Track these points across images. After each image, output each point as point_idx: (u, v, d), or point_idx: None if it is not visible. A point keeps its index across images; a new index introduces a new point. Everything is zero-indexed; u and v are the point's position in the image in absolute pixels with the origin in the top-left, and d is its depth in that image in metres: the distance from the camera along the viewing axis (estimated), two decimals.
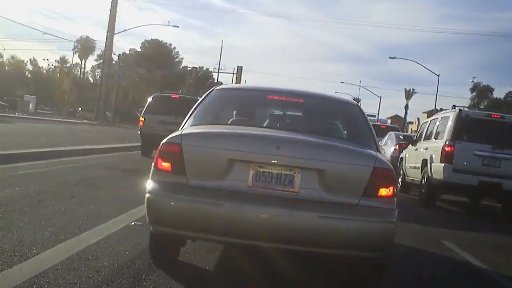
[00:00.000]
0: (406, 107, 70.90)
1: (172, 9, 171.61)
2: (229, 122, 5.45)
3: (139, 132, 17.77)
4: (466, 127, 12.72)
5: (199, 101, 5.66)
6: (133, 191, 8.31)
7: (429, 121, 15.47)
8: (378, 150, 5.05)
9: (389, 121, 71.39)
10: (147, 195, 4.31)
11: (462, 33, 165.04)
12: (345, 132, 5.90)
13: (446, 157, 12.57)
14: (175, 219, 4.22)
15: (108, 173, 12.02)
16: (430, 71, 54.98)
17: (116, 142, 21.40)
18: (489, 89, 76.58)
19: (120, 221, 6.48)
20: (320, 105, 6.06)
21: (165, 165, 4.36)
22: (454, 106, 13.93)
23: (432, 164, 13.07)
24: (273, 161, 4.25)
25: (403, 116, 73.18)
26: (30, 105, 63.84)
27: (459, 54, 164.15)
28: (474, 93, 75.96)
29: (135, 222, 6.38)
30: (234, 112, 5.99)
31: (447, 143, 12.64)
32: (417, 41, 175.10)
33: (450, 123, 12.94)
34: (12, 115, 44.28)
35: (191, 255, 5.39)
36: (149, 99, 18.65)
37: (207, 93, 5.86)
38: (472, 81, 75.43)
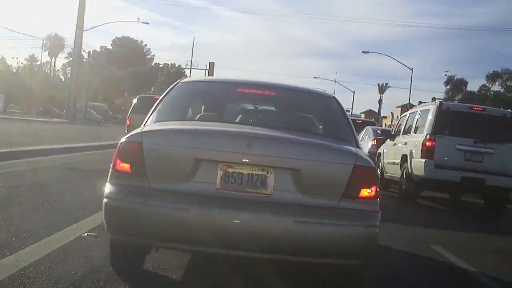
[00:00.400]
0: (380, 102, 70.85)
1: (144, 7, 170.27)
2: (195, 118, 5.18)
3: (126, 131, 17.15)
4: (447, 121, 12.26)
5: (162, 96, 5.25)
6: (93, 195, 7.50)
7: (408, 115, 14.98)
8: (358, 146, 4.72)
9: (363, 115, 71.25)
10: (105, 200, 3.96)
11: (435, 27, 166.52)
12: (322, 127, 5.64)
13: (426, 152, 12.11)
14: (136, 226, 3.89)
15: (69, 174, 11.23)
16: (404, 65, 54.88)
17: (87, 141, 20.51)
18: (463, 82, 76.98)
19: (71, 231, 5.74)
20: (294, 98, 5.72)
21: (124, 166, 4.01)
22: (434, 99, 13.48)
23: (412, 159, 12.58)
24: (243, 160, 3.93)
25: (377, 110, 73.12)
26: (0, 104, 62.26)
27: (432, 49, 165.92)
28: (449, 86, 76.27)
29: (89, 233, 5.65)
30: (201, 107, 5.73)
31: (427, 137, 12.17)
32: (391, 36, 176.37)
33: (430, 116, 12.46)
34: None
35: (157, 262, 4.85)
36: (135, 100, 19.40)
37: (171, 86, 5.44)
38: (445, 75, 75.79)
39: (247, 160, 3.94)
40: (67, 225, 6.01)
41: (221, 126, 4.58)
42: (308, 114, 6.01)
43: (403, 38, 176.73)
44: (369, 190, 4.06)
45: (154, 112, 4.95)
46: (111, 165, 4.09)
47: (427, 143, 12.11)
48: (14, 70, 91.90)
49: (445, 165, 11.93)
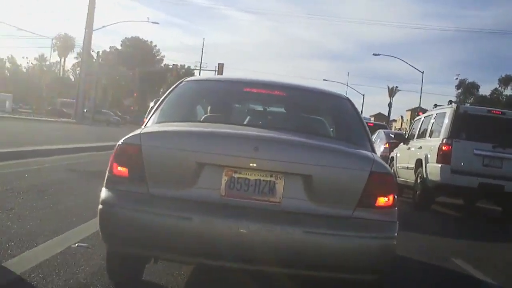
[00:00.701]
0: (390, 105, 70.51)
1: (154, 7, 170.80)
2: (199, 119, 4.97)
3: None
4: (465, 124, 11.72)
5: (165, 95, 5.00)
6: (90, 200, 7.03)
7: (423, 118, 14.44)
8: (374, 151, 4.43)
9: (372, 119, 70.77)
10: (100, 206, 3.69)
11: (446, 29, 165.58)
12: (335, 130, 5.33)
13: (443, 157, 11.59)
14: (133, 236, 3.63)
15: (69, 176, 10.77)
16: (414, 68, 54.44)
17: (93, 141, 20.14)
18: (475, 86, 76.38)
19: (60, 241, 5.25)
20: (305, 99, 5.46)
21: (122, 170, 3.75)
22: (450, 102, 12.96)
23: (428, 164, 12.05)
24: (250, 164, 3.67)
25: (386, 114, 72.63)
26: (7, 103, 62.56)
27: (442, 52, 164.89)
28: (460, 90, 75.50)
29: (79, 244, 5.15)
30: (207, 108, 5.36)
31: (444, 141, 11.65)
32: (400, 38, 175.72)
33: (447, 120, 11.93)
34: None
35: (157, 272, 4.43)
36: (151, 104, 18.79)
37: (175, 85, 5.19)
38: (457, 78, 75.17)
39: (254, 165, 3.67)
40: (57, 234, 5.53)
41: (226, 128, 4.28)
42: (321, 116, 5.73)
43: (413, 41, 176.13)
44: (386, 199, 3.78)
45: (155, 112, 4.69)
46: (108, 168, 3.81)
47: (443, 148, 11.60)
48: (24, 70, 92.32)
49: (462, 171, 11.41)
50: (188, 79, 5.50)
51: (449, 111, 12.04)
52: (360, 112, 5.40)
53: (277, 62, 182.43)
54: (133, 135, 3.89)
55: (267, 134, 4.06)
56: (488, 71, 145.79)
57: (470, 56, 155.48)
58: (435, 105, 14.67)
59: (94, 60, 61.22)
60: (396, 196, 3.86)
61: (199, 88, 5.48)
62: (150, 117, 4.66)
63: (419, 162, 12.68)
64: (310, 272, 3.71)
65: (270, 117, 5.70)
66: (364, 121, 5.12)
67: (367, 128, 4.90)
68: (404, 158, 14.39)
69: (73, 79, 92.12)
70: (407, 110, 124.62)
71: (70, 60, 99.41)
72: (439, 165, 11.52)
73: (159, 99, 5.30)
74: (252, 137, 3.88)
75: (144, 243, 3.65)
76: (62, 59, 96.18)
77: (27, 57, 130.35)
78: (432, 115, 13.46)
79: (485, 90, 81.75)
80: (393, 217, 3.83)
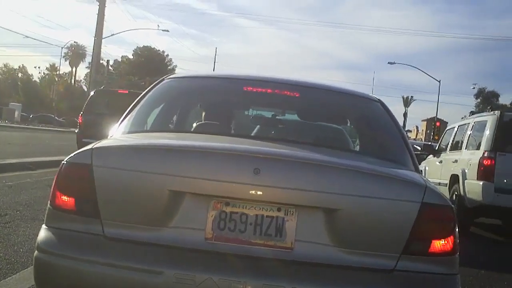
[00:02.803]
0: (405, 115, 69.06)
1: (166, 18, 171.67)
2: (184, 129, 4.21)
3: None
4: (510, 135, 10.08)
5: (139, 96, 3.95)
6: None
7: (456, 127, 12.80)
8: (418, 170, 3.43)
9: None
10: (36, 253, 2.74)
11: (461, 37, 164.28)
12: (366, 143, 4.25)
13: (484, 173, 9.99)
14: None
15: (44, 194, 9.24)
16: (431, 76, 52.92)
17: None
18: (494, 95, 74.43)
19: None
20: (325, 102, 4.27)
21: (66, 201, 2.77)
22: (491, 108, 11.35)
23: (466, 181, 10.45)
24: (248, 193, 2.64)
25: (401, 124, 71.35)
26: (16, 113, 61.98)
27: (458, 62, 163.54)
28: (479, 99, 73.72)
29: None
30: (201, 114, 4.52)
31: (485, 155, 10.04)
32: (415, 48, 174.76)
33: (488, 130, 10.31)
34: None
35: None
36: (92, 93, 17.77)
37: (153, 84, 4.13)
38: (473, 88, 73.41)
39: (254, 194, 2.64)
40: None
41: (213, 140, 3.23)
42: (346, 125, 4.89)
43: (428, 50, 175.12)
44: (443, 242, 2.78)
45: (125, 119, 3.67)
46: (49, 198, 2.82)
47: (485, 162, 9.99)
48: (38, 80, 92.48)
49: (508, 189, 9.79)
50: (171, 76, 4.36)
51: (491, 120, 10.44)
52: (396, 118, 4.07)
53: (291, 72, 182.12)
54: (82, 151, 2.85)
55: (272, 150, 2.93)
56: (505, 80, 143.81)
57: (487, 66, 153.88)
58: (471, 113, 13.10)
59: (104, 69, 60.70)
60: (457, 238, 2.84)
61: (183, 88, 4.35)
62: (118, 126, 3.61)
63: (454, 178, 11.10)
64: None
65: (277, 126, 4.54)
66: (403, 129, 3.97)
67: (407, 140, 3.79)
68: (435, 173, 12.82)
69: (86, 89, 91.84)
70: (422, 120, 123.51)
71: (82, 71, 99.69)
72: (481, 183, 9.91)
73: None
74: (251, 153, 2.77)
75: None
76: (73, 69, 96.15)
77: (39, 67, 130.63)
78: (468, 124, 11.83)
79: (504, 99, 80.00)
80: (453, 268, 2.83)
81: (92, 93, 16.79)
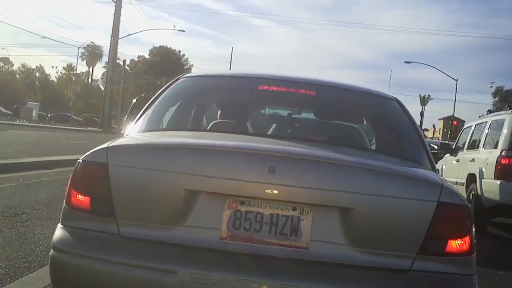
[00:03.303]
0: (422, 114, 68.65)
1: (182, 18, 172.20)
2: (200, 128, 4.18)
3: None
4: None
5: (155, 95, 3.98)
6: None
7: (474, 126, 12.65)
8: (435, 169, 3.41)
9: None
10: (51, 252, 2.74)
11: (479, 36, 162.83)
12: (382, 142, 4.23)
13: (502, 172, 9.85)
14: None
15: (61, 193, 9.29)
16: (448, 75, 52.51)
17: None
18: None
19: None
20: (342, 100, 4.30)
21: (82, 200, 2.77)
22: (510, 107, 11.21)
23: (483, 180, 10.32)
24: (264, 192, 2.64)
25: (418, 123, 70.88)
26: (33, 112, 62.58)
27: (475, 60, 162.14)
28: (497, 98, 72.93)
29: None
30: (217, 112, 4.49)
31: (503, 154, 9.91)
32: (432, 48, 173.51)
33: (506, 128, 10.19)
34: (11, 122, 42.46)
35: None
36: (134, 100, 18.02)
37: (169, 83, 4.14)
38: (491, 86, 72.73)
39: (269, 193, 2.64)
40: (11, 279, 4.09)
41: (228, 139, 3.22)
42: (362, 124, 4.89)
43: (444, 49, 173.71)
44: (460, 242, 2.75)
45: (141, 118, 3.69)
46: (65, 197, 2.82)
47: (502, 161, 9.86)
48: (55, 80, 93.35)
49: None
50: (187, 75, 4.41)
51: (508, 118, 10.31)
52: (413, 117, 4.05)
53: (306, 71, 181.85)
54: (98, 150, 2.84)
55: (287, 148, 2.93)
56: None
57: (505, 64, 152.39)
58: (489, 111, 12.99)
59: (121, 69, 61.00)
60: (474, 238, 2.81)
61: (200, 87, 4.35)
62: (134, 125, 3.64)
63: (471, 177, 10.96)
64: None
65: (293, 124, 4.55)
66: (419, 128, 3.98)
67: (424, 138, 3.79)
68: (451, 172, 12.67)
69: (102, 88, 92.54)
70: (439, 119, 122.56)
71: (99, 70, 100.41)
72: (498, 182, 9.77)
73: (146, 97, 4.08)
74: (266, 152, 2.75)
75: None
76: (91, 68, 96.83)
77: (56, 67, 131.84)
78: (486, 122, 11.70)
79: None
80: (470, 269, 2.80)
81: (134, 100, 17.07)
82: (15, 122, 43.41)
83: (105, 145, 2.86)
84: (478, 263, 2.87)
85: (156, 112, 3.81)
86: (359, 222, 2.68)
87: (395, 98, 4.24)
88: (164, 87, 4.07)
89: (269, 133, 4.41)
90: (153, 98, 3.91)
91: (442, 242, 2.75)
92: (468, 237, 2.80)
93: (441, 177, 3.08)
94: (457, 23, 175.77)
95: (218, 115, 4.38)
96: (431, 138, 77.99)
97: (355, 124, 4.92)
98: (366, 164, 2.92)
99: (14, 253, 4.99)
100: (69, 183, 2.83)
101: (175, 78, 4.23)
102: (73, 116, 68.55)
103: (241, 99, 4.30)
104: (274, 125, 4.70)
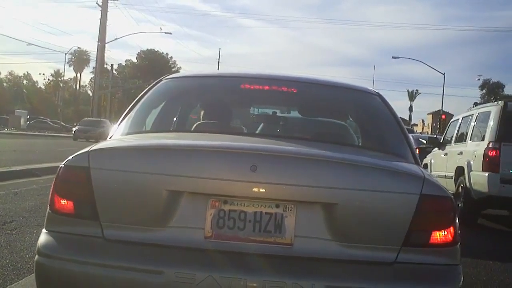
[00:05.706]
0: (410, 109, 68.87)
1: (169, 20, 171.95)
2: (183, 128, 4.15)
3: None
4: None
5: (138, 97, 4.00)
6: None
7: (461, 119, 12.72)
8: (418, 162, 3.42)
9: None
10: (36, 257, 2.76)
11: (465, 29, 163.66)
12: (365, 137, 4.28)
13: (489, 164, 9.91)
14: None
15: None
16: (435, 69, 52.91)
17: None
18: (499, 86, 73.92)
19: None
20: (323, 96, 4.30)
21: (65, 204, 2.78)
22: (495, 99, 11.31)
23: (471, 173, 10.39)
24: (247, 190, 2.66)
25: (407, 118, 71.01)
26: (22, 120, 62.16)
27: (462, 54, 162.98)
28: (484, 91, 73.28)
29: None
30: (200, 113, 4.43)
31: (490, 146, 9.96)
32: (419, 42, 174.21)
33: (492, 120, 10.24)
34: None
35: None
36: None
37: (152, 84, 4.19)
38: (479, 79, 73.01)
39: (251, 191, 2.66)
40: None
41: (209, 139, 3.27)
42: (345, 119, 4.84)
43: (431, 44, 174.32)
44: (444, 233, 2.78)
45: (123, 121, 3.71)
46: (48, 202, 2.84)
47: (489, 153, 9.92)
48: (43, 87, 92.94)
49: None
50: (169, 76, 4.39)
51: (494, 110, 10.34)
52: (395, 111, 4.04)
53: (295, 70, 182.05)
54: (79, 154, 2.85)
55: (268, 146, 2.95)
56: (510, 71, 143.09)
57: (491, 57, 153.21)
58: (475, 104, 13.14)
59: (108, 73, 60.77)
60: (458, 229, 2.83)
61: (182, 88, 4.40)
62: (117, 128, 3.66)
63: (459, 170, 11.04)
64: None
65: (277, 123, 4.52)
66: (402, 122, 3.94)
67: (407, 133, 3.80)
68: (440, 165, 12.75)
69: (90, 94, 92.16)
70: (428, 114, 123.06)
71: (87, 76, 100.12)
72: (486, 174, 9.84)
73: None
74: (247, 151, 2.79)
75: None
76: (78, 74, 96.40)
77: (43, 74, 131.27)
78: (472, 115, 11.76)
79: (509, 90, 79.67)
80: (455, 259, 2.83)
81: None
82: (3, 131, 43.16)
83: (87, 149, 2.87)
84: (469, 253, 2.89)
85: (139, 114, 3.83)
86: (343, 217, 2.69)
87: (378, 93, 4.27)
88: (146, 89, 4.09)
89: (253, 132, 4.44)
90: (135, 100, 3.92)
91: (425, 234, 2.77)
92: (451, 228, 2.82)
93: (424, 170, 3.10)
94: (444, 16, 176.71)
95: (201, 115, 4.40)
96: (420, 132, 78.35)
97: (340, 120, 4.95)
98: (347, 160, 2.93)
99: (3, 261, 4.98)
100: (52, 188, 2.84)
101: (157, 80, 4.25)
102: (62, 123, 68.31)
103: (223, 98, 4.32)
104: (260, 124, 4.73)
